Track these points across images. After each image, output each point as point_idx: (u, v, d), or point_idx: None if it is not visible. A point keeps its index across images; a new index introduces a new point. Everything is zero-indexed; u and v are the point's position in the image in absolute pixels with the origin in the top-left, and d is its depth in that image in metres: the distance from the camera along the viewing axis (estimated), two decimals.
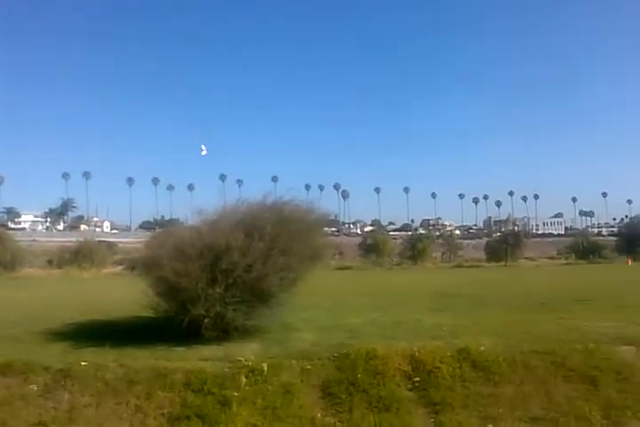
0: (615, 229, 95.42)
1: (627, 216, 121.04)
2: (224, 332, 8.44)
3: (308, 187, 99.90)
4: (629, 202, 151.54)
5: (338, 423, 6.21)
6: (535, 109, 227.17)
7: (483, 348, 7.55)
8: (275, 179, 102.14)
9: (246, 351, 7.73)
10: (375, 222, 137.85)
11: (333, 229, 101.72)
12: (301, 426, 6.17)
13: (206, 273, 8.43)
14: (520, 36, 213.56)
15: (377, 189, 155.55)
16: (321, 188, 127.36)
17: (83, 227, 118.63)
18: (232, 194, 10.52)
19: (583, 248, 61.79)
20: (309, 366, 7.19)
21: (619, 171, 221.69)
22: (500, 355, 7.34)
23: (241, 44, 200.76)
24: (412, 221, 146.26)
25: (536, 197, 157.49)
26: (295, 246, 8.90)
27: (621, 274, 30.61)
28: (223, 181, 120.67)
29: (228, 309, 8.29)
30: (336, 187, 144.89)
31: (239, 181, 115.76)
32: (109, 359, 7.42)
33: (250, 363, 7.15)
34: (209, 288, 8.31)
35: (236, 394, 6.57)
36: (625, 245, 60.12)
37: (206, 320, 8.21)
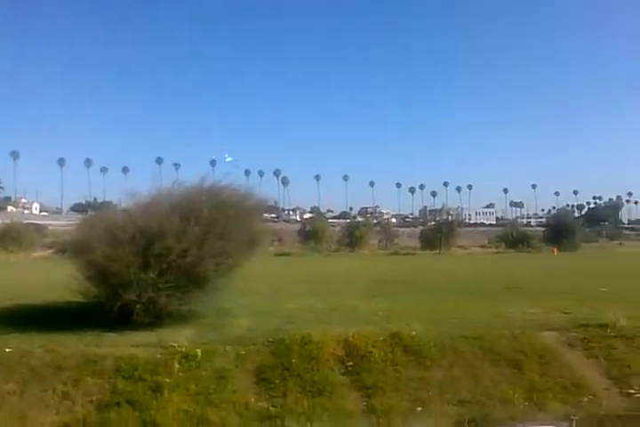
0: (543, 220, 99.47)
1: (554, 208, 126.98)
2: (157, 317, 8.28)
3: (247, 172, 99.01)
4: (557, 194, 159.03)
5: (271, 408, 6.23)
6: (470, 103, 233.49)
7: (414, 333, 7.74)
8: (213, 163, 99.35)
9: (180, 337, 7.62)
10: (314, 209, 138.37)
11: (273, 215, 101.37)
12: (235, 411, 6.15)
13: (139, 258, 8.22)
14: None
15: (317, 177, 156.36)
16: (261, 174, 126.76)
17: (10, 208, 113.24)
18: (168, 178, 10.25)
19: (513, 238, 64.00)
20: (244, 352, 7.17)
21: (547, 164, 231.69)
22: (430, 340, 7.54)
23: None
24: (351, 208, 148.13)
25: (469, 187, 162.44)
26: (233, 231, 8.81)
27: (547, 263, 32.02)
28: (160, 164, 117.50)
29: (161, 294, 8.13)
30: (276, 173, 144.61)
31: (176, 165, 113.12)
32: (35, 345, 7.16)
33: (183, 349, 7.06)
34: (141, 273, 8.12)
35: (168, 380, 6.47)
36: (552, 236, 62.70)
37: (138, 306, 8.03)
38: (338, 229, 64.66)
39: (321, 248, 54.70)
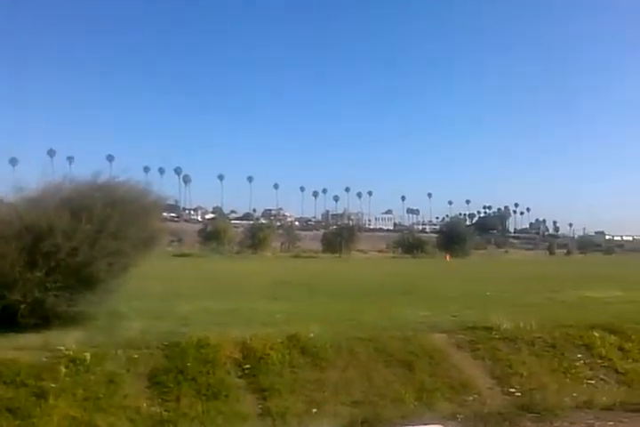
0: (437, 227, 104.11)
1: (447, 216, 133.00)
2: (44, 319, 7.78)
3: (147, 169, 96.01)
4: (450, 203, 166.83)
5: (164, 413, 6.03)
6: (370, 113, 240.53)
7: (312, 335, 7.79)
8: (110, 158, 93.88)
9: (68, 340, 7.20)
10: (217, 210, 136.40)
11: (172, 214, 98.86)
12: (125, 417, 5.90)
13: (25, 255, 7.69)
14: None
15: (220, 177, 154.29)
16: (161, 171, 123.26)
17: None
18: (61, 171, 9.70)
19: (409, 243, 66.59)
20: (136, 356, 6.89)
21: (441, 173, 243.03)
22: (327, 341, 7.62)
23: None
24: (254, 210, 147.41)
25: (370, 193, 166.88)
26: (128, 230, 8.46)
27: (440, 268, 33.53)
28: (52, 157, 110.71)
29: (49, 294, 7.65)
30: (177, 171, 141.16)
31: (70, 158, 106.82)
32: None
33: (71, 352, 6.66)
34: (27, 272, 7.60)
35: (53, 385, 6.09)
36: (445, 242, 65.88)
37: (23, 306, 7.51)
38: (240, 230, 64.24)
39: (222, 249, 54.12)
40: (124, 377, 6.48)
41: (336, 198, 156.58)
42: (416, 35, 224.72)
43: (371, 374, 7.12)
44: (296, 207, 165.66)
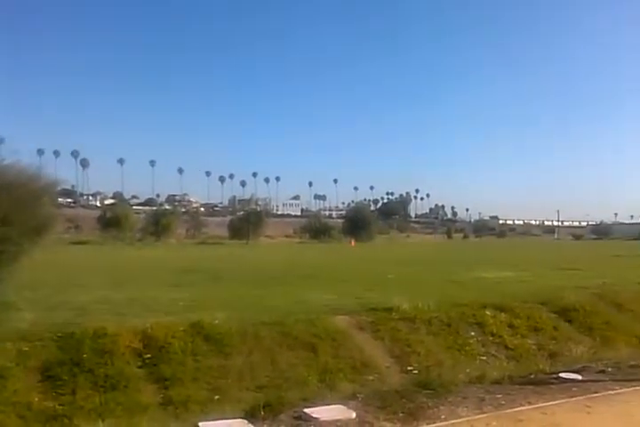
0: (343, 213, 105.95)
1: (353, 201, 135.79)
2: None
3: (40, 152, 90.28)
4: (356, 189, 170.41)
5: (58, 407, 5.76)
6: (274, 94, 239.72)
7: (216, 321, 7.71)
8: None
9: None
10: (117, 195, 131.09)
11: (69, 200, 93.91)
12: (15, 413, 5.57)
13: None
14: None
15: (120, 161, 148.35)
16: (56, 154, 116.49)
17: None
18: None
19: (315, 229, 67.37)
20: (27, 348, 6.51)
21: (348, 160, 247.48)
22: (232, 327, 7.57)
23: None
24: (158, 195, 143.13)
25: (277, 179, 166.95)
26: (17, 216, 7.94)
27: (345, 253, 34.21)
28: None
29: None
30: (74, 154, 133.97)
31: None
32: None
33: None
34: None
35: None
36: (350, 227, 67.11)
37: None
38: (143, 216, 62.08)
39: (123, 236, 52.13)
40: (14, 371, 6.12)
41: (243, 184, 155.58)
42: None
43: (275, 358, 7.15)
44: (202, 193, 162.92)
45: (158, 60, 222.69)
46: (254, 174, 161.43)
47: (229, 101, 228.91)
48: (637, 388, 6.86)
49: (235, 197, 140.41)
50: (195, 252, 34.44)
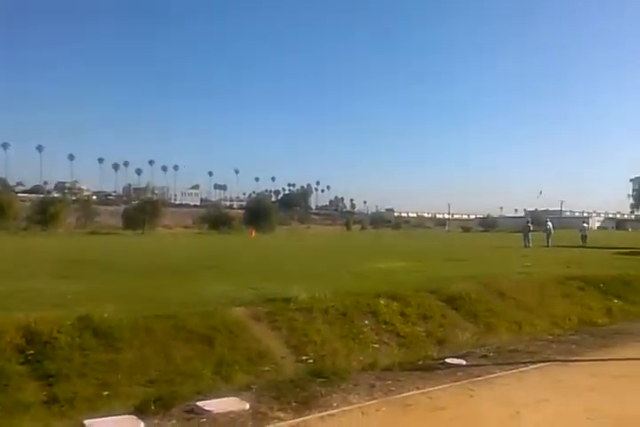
0: (244, 203, 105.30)
1: (254, 192, 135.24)
2: None
3: None
4: (257, 179, 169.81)
5: None
6: (186, 89, 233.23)
7: (106, 314, 7.40)
8: None
9: None
10: (0, 182, 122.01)
11: None
12: None
13: None
14: None
15: (4, 145, 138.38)
16: None
17: None
18: None
19: (215, 219, 66.41)
20: None
21: (250, 150, 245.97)
22: (123, 321, 7.29)
23: None
24: (46, 183, 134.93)
25: (175, 168, 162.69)
26: None
27: (244, 244, 34.02)
28: None
29: None
30: None
31: None
32: None
33: None
34: None
35: None
36: (251, 218, 66.90)
37: None
38: (29, 204, 58.39)
39: (7, 225, 48.85)
40: None
41: (139, 172, 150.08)
42: None
43: (169, 351, 6.96)
44: (94, 180, 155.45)
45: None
46: (151, 162, 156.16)
47: (124, 84, 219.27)
48: (515, 371, 7.38)
49: (130, 185, 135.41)
50: (85, 242, 32.88)
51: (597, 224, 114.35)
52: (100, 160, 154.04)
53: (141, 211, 57.46)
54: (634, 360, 8.16)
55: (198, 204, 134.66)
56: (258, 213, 66.88)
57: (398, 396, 6.13)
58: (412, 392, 6.29)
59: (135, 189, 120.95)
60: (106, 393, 5.85)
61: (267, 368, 6.93)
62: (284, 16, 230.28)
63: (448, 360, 7.71)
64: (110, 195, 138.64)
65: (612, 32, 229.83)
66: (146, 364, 6.62)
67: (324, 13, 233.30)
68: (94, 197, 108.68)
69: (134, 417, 5.02)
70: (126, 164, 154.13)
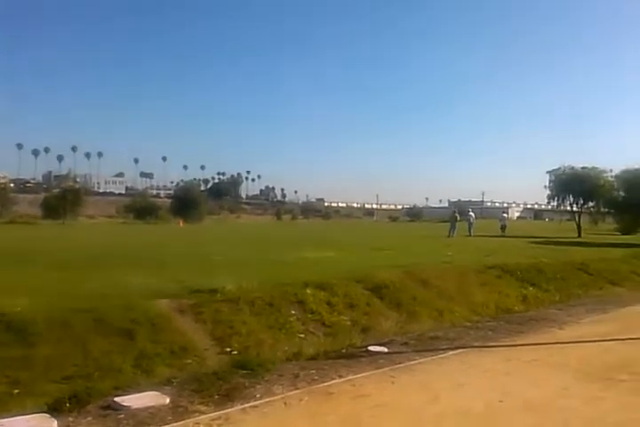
0: (171, 192, 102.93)
1: (182, 181, 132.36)
2: None
3: None
4: (185, 168, 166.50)
5: None
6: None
7: (19, 308, 7.06)
8: None
9: None
10: None
11: None
12: None
13: None
14: None
15: None
16: None
17: None
18: None
19: (141, 208, 64.53)
20: None
21: (178, 137, 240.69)
22: (38, 315, 6.98)
23: None
24: None
25: (99, 154, 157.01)
26: None
27: (172, 234, 33.29)
28: None
29: None
30: None
31: None
32: None
33: None
34: None
35: None
36: (178, 207, 65.47)
37: None
38: None
39: None
40: None
41: (60, 158, 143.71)
42: None
43: (87, 346, 6.72)
44: (11, 167, 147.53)
45: None
46: (74, 148, 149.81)
47: (45, 67, 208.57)
48: (435, 357, 7.63)
49: (50, 172, 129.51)
50: (0, 232, 31.18)
51: (517, 214, 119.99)
52: (19, 146, 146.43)
53: (62, 199, 54.92)
54: (545, 345, 8.61)
55: (123, 192, 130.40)
56: (186, 202, 65.51)
57: (321, 385, 6.20)
58: (335, 381, 6.37)
59: (56, 176, 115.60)
60: (17, 391, 5.58)
61: (189, 361, 6.82)
62: None
63: (371, 348, 7.86)
64: (29, 182, 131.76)
65: None
66: (62, 359, 6.36)
67: None
68: (12, 185, 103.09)
69: (47, 415, 4.82)
70: (47, 150, 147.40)
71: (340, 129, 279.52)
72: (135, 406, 5.11)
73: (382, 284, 10.86)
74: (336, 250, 18.17)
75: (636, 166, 28.03)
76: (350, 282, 10.67)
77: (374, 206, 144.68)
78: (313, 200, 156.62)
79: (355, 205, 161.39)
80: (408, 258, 15.11)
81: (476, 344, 8.53)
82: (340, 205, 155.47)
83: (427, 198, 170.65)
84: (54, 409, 5.00)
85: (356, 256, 16.10)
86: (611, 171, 31.48)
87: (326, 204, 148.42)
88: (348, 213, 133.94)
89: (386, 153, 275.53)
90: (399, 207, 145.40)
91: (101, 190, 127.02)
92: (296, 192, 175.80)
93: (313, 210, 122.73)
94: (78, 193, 57.99)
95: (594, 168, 32.61)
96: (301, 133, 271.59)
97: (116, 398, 5.25)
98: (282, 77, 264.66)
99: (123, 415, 5.04)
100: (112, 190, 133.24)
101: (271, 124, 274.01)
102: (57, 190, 63.00)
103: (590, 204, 33.75)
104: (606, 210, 33.40)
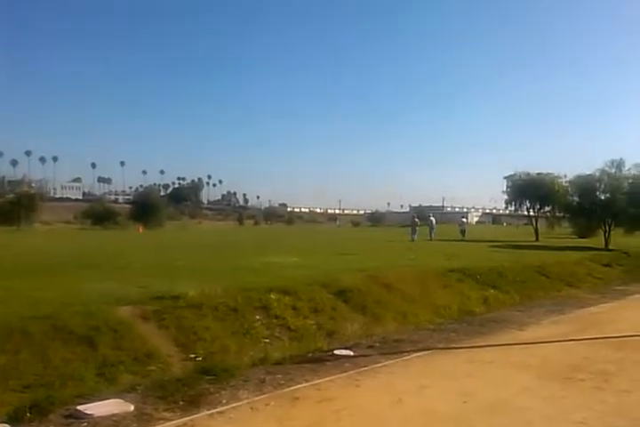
0: (130, 198, 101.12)
1: (141, 186, 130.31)
2: None
3: None
4: (144, 173, 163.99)
5: None
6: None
7: None
8: None
9: None
10: None
11: None
12: None
13: None
14: None
15: None
16: None
17: None
18: None
19: (99, 214, 63.17)
20: None
21: (137, 141, 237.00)
22: None
23: None
24: None
25: (55, 159, 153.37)
26: None
27: (131, 240, 32.70)
28: None
29: None
30: None
31: None
32: None
33: None
34: None
35: None
36: (138, 213, 64.27)
37: None
38: None
39: None
40: None
41: (14, 163, 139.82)
42: None
43: (48, 354, 6.56)
44: None
45: None
46: (28, 153, 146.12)
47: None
48: (399, 360, 7.71)
49: (4, 177, 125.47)
50: None
51: (476, 219, 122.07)
52: None
53: (16, 205, 53.28)
54: (506, 346, 8.81)
55: (80, 198, 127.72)
56: (145, 207, 64.36)
57: (287, 389, 6.20)
58: (300, 385, 6.38)
59: (10, 181, 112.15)
60: None
61: (153, 368, 6.73)
62: None
63: (337, 352, 7.90)
64: None
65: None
66: (21, 368, 6.20)
67: None
68: None
69: (7, 426, 4.68)
70: (0, 154, 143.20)
71: (301, 134, 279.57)
72: (98, 414, 5.01)
73: (347, 288, 10.93)
74: (300, 255, 18.16)
75: (587, 172, 28.83)
76: (315, 286, 10.69)
77: (337, 211, 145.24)
78: (275, 205, 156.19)
79: (318, 210, 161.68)
80: (371, 262, 15.23)
81: (439, 346, 8.66)
82: (303, 210, 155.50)
83: (388, 203, 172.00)
84: (15, 419, 4.87)
85: (319, 261, 16.12)
86: (565, 176, 32.31)
87: (289, 209, 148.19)
88: (311, 218, 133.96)
89: (347, 158, 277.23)
90: (361, 212, 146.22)
91: (58, 196, 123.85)
92: (258, 197, 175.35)
93: (276, 215, 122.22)
94: (33, 198, 56.29)
95: (548, 174, 33.45)
96: (261, 139, 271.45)
97: (79, 407, 5.14)
98: (240, 82, 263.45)
99: (86, 424, 4.94)
100: (69, 196, 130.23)
101: (231, 129, 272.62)
102: (11, 196, 61.13)
103: (546, 208, 34.56)
104: (562, 214, 34.22)
